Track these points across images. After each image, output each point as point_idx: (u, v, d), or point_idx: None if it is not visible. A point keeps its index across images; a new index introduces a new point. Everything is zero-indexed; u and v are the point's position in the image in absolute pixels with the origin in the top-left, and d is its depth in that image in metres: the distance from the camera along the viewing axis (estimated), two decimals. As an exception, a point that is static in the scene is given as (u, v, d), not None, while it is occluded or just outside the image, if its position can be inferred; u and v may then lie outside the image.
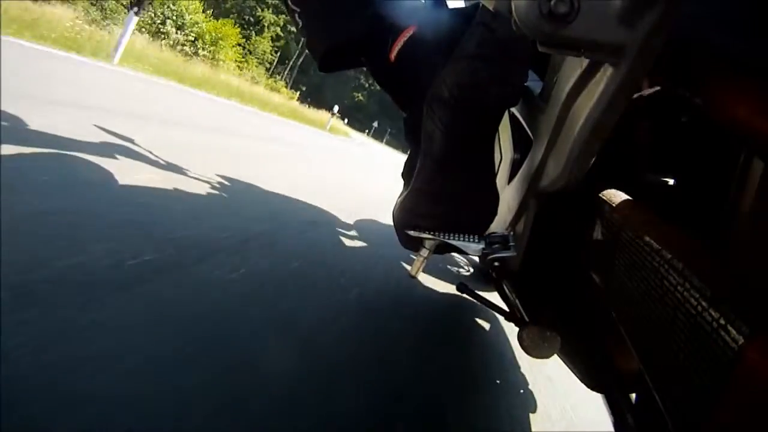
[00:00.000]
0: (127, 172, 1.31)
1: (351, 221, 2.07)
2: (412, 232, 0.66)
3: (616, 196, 0.43)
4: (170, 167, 1.62)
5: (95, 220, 0.93)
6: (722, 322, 0.24)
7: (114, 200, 1.10)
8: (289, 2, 0.80)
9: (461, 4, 0.73)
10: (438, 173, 0.62)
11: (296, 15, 0.80)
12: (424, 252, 0.69)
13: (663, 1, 0.31)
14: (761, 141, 0.31)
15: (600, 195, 0.47)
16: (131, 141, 1.73)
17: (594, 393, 0.65)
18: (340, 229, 1.84)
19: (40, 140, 1.31)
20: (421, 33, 0.68)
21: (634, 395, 0.53)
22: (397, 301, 1.32)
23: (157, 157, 1.68)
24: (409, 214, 0.66)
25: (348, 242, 1.71)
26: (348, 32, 0.74)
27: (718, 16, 0.34)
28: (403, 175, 0.79)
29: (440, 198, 0.63)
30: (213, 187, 1.61)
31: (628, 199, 0.41)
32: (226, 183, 1.76)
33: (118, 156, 1.46)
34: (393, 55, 0.69)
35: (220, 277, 0.94)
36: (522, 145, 0.80)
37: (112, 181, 1.22)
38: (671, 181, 0.49)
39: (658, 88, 0.42)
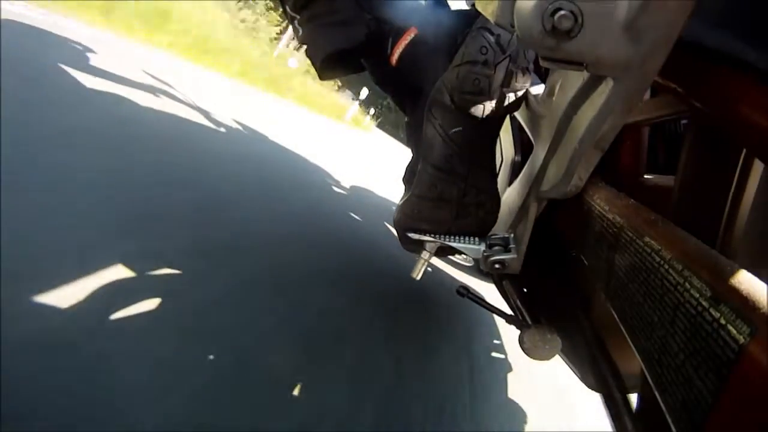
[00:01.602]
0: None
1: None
2: (413, 235, 0.66)
3: (615, 196, 0.43)
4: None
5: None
6: (722, 322, 0.24)
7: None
8: (288, 8, 0.79)
9: (463, 5, 0.72)
10: (438, 180, 0.61)
11: (295, 21, 0.79)
12: (426, 255, 0.69)
13: (667, 17, 0.31)
14: (761, 141, 0.31)
15: (600, 195, 0.47)
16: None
17: (594, 393, 0.65)
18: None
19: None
20: (422, 35, 0.68)
21: (635, 395, 0.53)
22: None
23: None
24: (409, 219, 0.66)
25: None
26: (348, 38, 0.73)
27: (718, 16, 0.34)
28: (404, 179, 0.78)
29: (440, 204, 0.62)
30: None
31: (628, 199, 0.41)
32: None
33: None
34: (394, 58, 0.69)
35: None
36: (523, 147, 0.80)
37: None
38: (671, 182, 0.49)
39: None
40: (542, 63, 0.36)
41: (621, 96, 0.36)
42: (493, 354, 1.31)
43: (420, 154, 0.65)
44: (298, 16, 0.78)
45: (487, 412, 1.01)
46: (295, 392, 0.70)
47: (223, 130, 1.99)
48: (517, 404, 1.12)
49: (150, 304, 0.69)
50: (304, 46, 0.81)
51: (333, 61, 0.78)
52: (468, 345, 1.27)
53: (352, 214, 1.96)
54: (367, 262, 1.49)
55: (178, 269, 0.82)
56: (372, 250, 1.64)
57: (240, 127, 2.25)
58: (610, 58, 0.33)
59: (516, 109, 0.63)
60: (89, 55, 1.83)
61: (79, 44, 1.90)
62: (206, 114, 2.04)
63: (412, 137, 0.74)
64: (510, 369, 1.25)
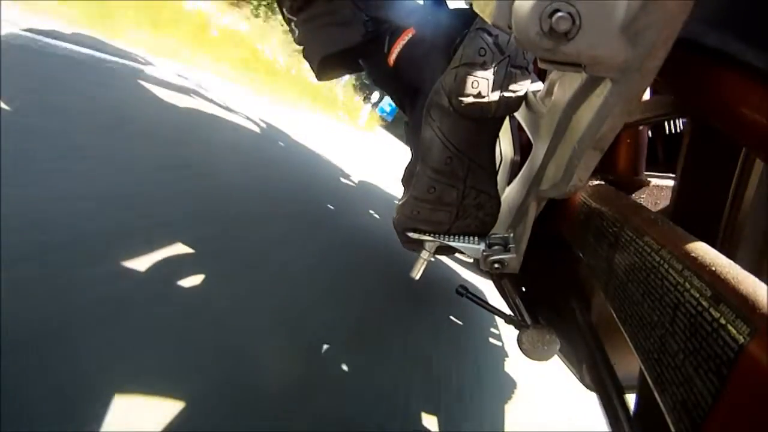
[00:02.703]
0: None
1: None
2: (412, 234, 0.66)
3: (615, 195, 0.43)
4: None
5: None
6: (722, 321, 0.24)
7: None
8: (285, 12, 0.79)
9: (462, 5, 0.72)
10: (436, 182, 0.61)
11: (292, 24, 0.80)
12: (425, 254, 0.69)
13: (665, 18, 0.31)
14: (761, 141, 0.31)
15: (600, 195, 0.47)
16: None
17: (593, 393, 0.65)
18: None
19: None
20: (419, 36, 0.67)
21: (634, 396, 0.53)
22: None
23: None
24: (409, 220, 0.66)
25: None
26: (345, 39, 0.73)
27: (717, 15, 0.34)
28: (403, 180, 0.78)
29: (439, 207, 0.62)
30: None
31: (628, 199, 0.41)
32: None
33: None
34: (392, 59, 0.69)
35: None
36: (522, 147, 0.80)
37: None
38: (671, 181, 0.49)
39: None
40: (540, 64, 0.35)
41: (620, 97, 0.35)
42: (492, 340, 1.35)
43: (418, 155, 0.64)
44: (295, 19, 0.78)
45: (488, 402, 1.01)
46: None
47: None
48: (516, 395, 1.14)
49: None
50: (302, 48, 0.81)
51: (330, 62, 0.78)
52: (469, 337, 1.29)
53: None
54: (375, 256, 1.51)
55: (194, 250, 0.87)
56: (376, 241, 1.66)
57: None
58: (608, 59, 0.32)
59: (515, 110, 0.62)
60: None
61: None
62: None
63: (411, 138, 0.74)
64: (507, 355, 1.29)
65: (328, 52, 0.76)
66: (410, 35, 0.67)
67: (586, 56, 0.32)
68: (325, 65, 0.79)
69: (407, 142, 0.80)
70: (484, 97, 0.56)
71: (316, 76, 0.83)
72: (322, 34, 0.76)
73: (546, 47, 0.32)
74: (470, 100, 0.56)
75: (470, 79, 0.55)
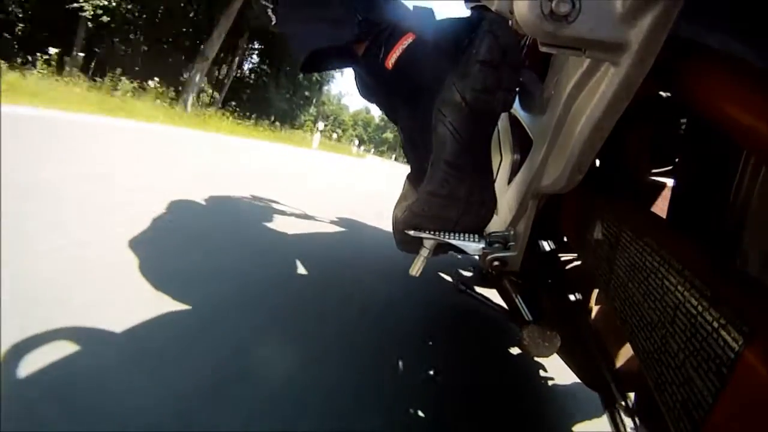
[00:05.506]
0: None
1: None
2: (412, 232, 0.66)
3: (616, 196, 0.43)
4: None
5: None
6: (722, 322, 0.24)
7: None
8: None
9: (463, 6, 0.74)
10: (450, 176, 0.63)
11: (271, 9, 0.82)
12: (425, 251, 0.69)
13: (662, 2, 0.31)
14: (760, 141, 0.31)
15: (600, 195, 0.47)
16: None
17: (594, 392, 0.65)
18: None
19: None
20: (421, 39, 0.69)
21: (633, 395, 0.54)
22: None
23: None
24: (417, 217, 0.66)
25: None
26: (335, 38, 0.75)
27: (718, 16, 0.34)
28: (409, 177, 0.79)
29: (449, 202, 0.64)
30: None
31: (628, 200, 0.42)
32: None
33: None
34: (390, 62, 0.70)
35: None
36: (522, 146, 0.80)
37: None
38: (671, 181, 0.49)
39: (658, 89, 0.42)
40: (542, 48, 0.36)
41: (619, 82, 0.36)
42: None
43: (420, 153, 0.66)
44: (273, 6, 0.79)
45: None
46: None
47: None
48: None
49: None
50: (287, 36, 0.82)
51: (318, 57, 0.79)
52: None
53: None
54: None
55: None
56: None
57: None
58: (607, 41, 0.33)
59: (509, 109, 0.64)
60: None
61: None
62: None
63: (410, 139, 0.75)
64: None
65: (317, 47, 0.77)
66: (411, 39, 0.69)
67: (586, 39, 0.33)
68: (313, 59, 0.79)
69: (405, 145, 0.80)
70: (491, 93, 0.59)
71: (301, 68, 0.84)
72: (313, 28, 0.77)
73: (547, 30, 0.33)
74: (481, 96, 0.58)
75: (481, 77, 0.58)
